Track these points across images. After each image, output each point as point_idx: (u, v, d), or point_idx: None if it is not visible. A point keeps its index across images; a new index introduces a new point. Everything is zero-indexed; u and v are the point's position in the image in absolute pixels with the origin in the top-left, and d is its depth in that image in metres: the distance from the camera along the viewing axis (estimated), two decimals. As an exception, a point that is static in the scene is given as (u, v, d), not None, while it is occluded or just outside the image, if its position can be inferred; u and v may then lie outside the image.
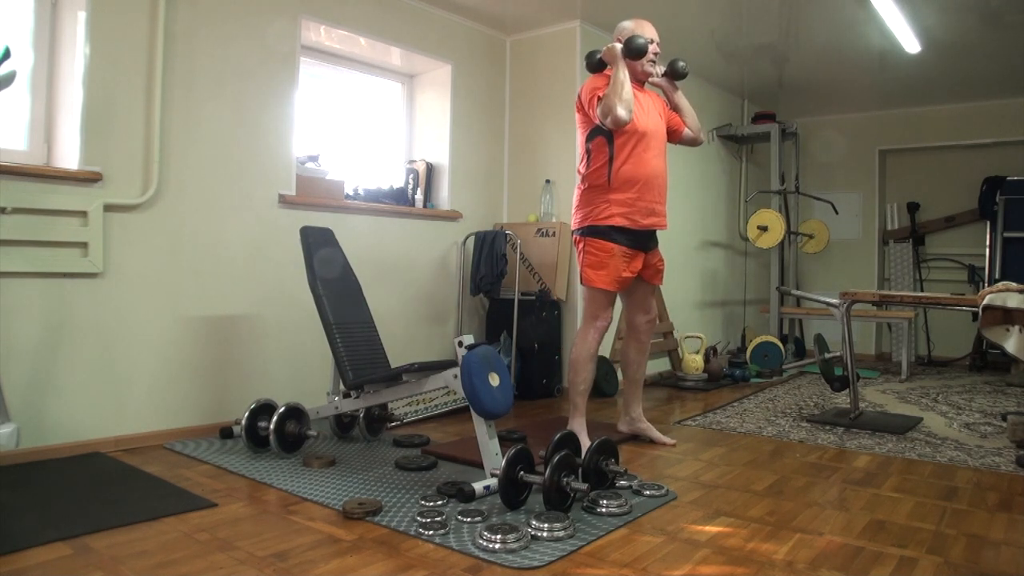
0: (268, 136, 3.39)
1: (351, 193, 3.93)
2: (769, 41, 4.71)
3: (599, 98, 2.81)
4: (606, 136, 2.90)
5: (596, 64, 2.98)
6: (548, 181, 4.45)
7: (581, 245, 3.00)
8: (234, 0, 3.26)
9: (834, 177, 6.53)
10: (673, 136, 3.18)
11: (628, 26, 3.02)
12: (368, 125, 4.34)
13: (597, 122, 2.85)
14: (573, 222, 3.05)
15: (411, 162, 4.40)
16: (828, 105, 6.28)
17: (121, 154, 2.91)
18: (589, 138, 2.95)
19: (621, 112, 2.75)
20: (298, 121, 3.52)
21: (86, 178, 2.79)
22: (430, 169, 4.35)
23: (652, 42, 2.97)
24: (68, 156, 2.84)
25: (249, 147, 3.32)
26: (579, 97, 2.96)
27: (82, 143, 2.80)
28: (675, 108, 3.19)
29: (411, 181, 4.26)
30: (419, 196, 4.20)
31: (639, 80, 3.01)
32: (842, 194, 6.36)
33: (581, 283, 3.02)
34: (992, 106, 5.85)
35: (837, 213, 6.06)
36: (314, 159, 3.76)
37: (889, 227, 6.45)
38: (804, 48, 4.81)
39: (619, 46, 2.88)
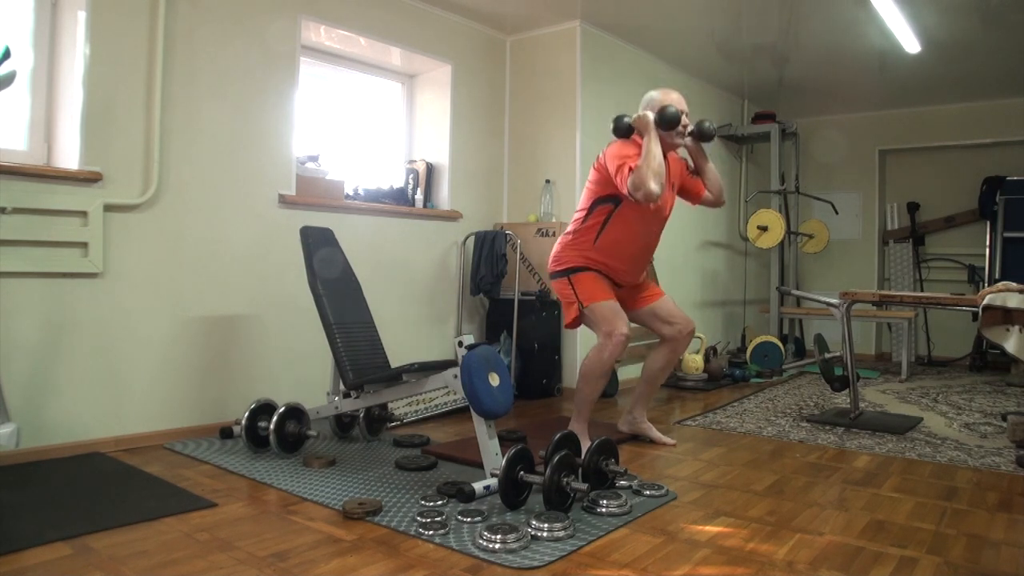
0: (268, 136, 3.39)
1: (351, 193, 3.93)
2: (769, 41, 4.71)
3: (630, 169, 2.72)
4: (612, 204, 2.89)
5: (624, 130, 2.91)
6: (548, 181, 4.45)
7: (568, 285, 2.97)
8: (234, 0, 3.26)
9: (834, 177, 6.53)
10: (691, 199, 3.16)
11: (657, 96, 2.96)
12: (368, 125, 4.34)
13: (625, 192, 2.75)
14: (552, 265, 3.03)
15: (411, 162, 4.40)
16: (828, 105, 6.28)
17: (121, 154, 2.91)
18: (597, 202, 2.93)
19: (654, 187, 2.67)
20: (298, 121, 3.52)
21: (86, 178, 2.79)
22: (430, 169, 4.35)
23: (683, 113, 2.91)
24: (68, 156, 2.84)
25: (249, 147, 3.32)
26: (601, 160, 2.90)
27: (82, 143, 2.80)
28: (699, 172, 3.11)
29: (411, 181, 4.26)
30: (419, 196, 4.20)
31: (663, 150, 2.92)
32: (842, 194, 6.36)
33: (581, 314, 2.95)
34: (992, 106, 5.85)
35: (837, 213, 6.06)
36: (314, 159, 3.76)
37: (889, 227, 6.45)
38: (804, 48, 4.80)
39: (651, 115, 2.82)
